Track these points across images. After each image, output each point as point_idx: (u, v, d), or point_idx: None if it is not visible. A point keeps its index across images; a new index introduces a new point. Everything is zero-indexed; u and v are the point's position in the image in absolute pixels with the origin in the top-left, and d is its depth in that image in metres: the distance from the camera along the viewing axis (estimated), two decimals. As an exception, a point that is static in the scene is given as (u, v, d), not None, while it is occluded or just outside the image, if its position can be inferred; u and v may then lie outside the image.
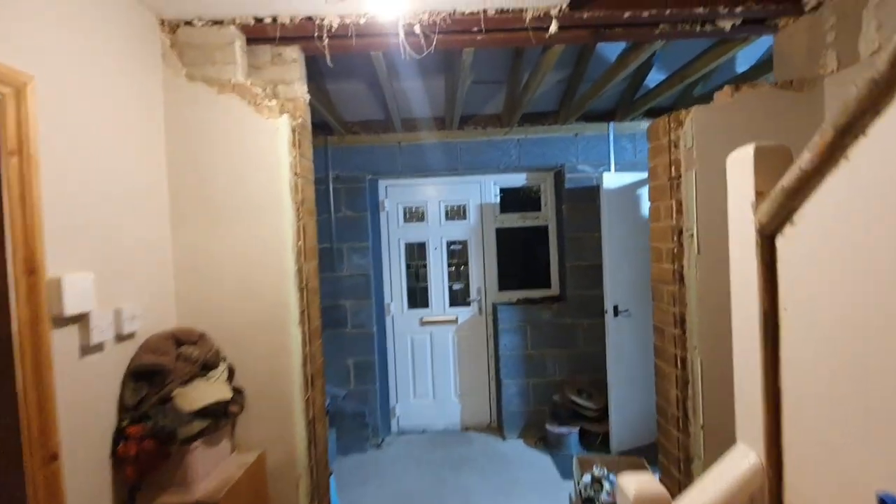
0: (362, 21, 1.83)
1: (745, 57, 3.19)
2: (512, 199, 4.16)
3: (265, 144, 1.82)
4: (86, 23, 1.44)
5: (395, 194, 4.12)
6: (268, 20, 1.83)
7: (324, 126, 3.71)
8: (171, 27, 1.82)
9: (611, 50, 3.15)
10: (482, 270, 4.13)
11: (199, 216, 1.83)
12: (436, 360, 4.14)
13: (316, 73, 3.04)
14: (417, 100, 3.61)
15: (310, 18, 1.83)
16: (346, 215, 3.86)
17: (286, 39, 1.97)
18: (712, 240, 1.86)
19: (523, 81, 3.26)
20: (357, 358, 3.88)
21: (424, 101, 3.63)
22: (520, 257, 4.18)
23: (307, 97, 2.05)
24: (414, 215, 4.16)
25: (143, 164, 1.69)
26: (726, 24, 2.04)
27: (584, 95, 3.29)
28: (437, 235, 4.13)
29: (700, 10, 1.87)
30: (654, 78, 3.41)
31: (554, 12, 1.84)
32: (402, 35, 1.85)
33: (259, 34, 1.90)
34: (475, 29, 1.92)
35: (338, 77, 3.25)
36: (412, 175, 4.04)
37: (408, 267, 4.15)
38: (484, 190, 4.12)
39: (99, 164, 1.46)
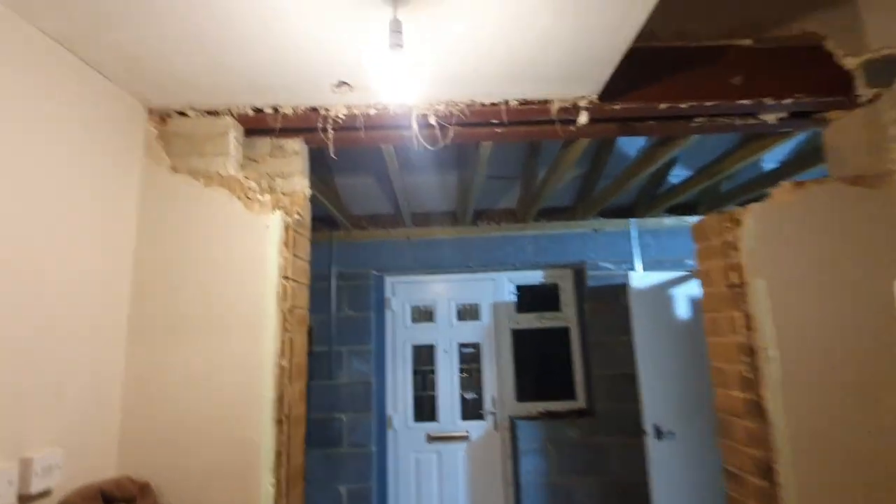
0: (372, 112, 1.66)
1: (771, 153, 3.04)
2: (529, 298, 3.84)
3: (251, 244, 1.55)
4: (49, 108, 1.25)
5: (403, 292, 3.82)
6: (268, 111, 1.67)
7: (329, 220, 3.53)
8: (161, 117, 1.65)
9: (630, 144, 3.03)
10: (497, 377, 3.67)
11: (163, 329, 1.51)
12: (444, 486, 3.52)
13: (322, 166, 2.90)
14: (429, 194, 3.46)
15: (314, 109, 1.66)
16: (347, 315, 3.53)
17: (288, 131, 1.80)
18: (803, 364, 1.48)
19: (540, 176, 3.11)
20: (352, 485, 3.30)
21: (436, 194, 3.48)
22: (539, 363, 3.74)
23: (308, 191, 1.83)
24: (423, 315, 3.82)
25: (99, 266, 1.41)
26: (770, 117, 1.86)
27: (606, 191, 3.11)
28: (447, 337, 3.75)
29: (745, 101, 1.69)
30: (678, 173, 3.26)
31: (583, 104, 1.66)
32: (415, 127, 1.67)
33: (258, 125, 1.73)
34: (495, 121, 1.74)
35: (345, 170, 3.12)
36: (421, 272, 3.77)
37: (414, 373, 3.71)
38: (498, 288, 3.82)
39: (26, 263, 1.17)
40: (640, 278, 3.16)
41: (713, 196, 3.45)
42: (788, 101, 1.69)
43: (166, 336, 1.51)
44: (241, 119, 1.70)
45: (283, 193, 1.78)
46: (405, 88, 1.34)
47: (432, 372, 3.71)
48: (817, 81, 1.73)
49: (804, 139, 2.84)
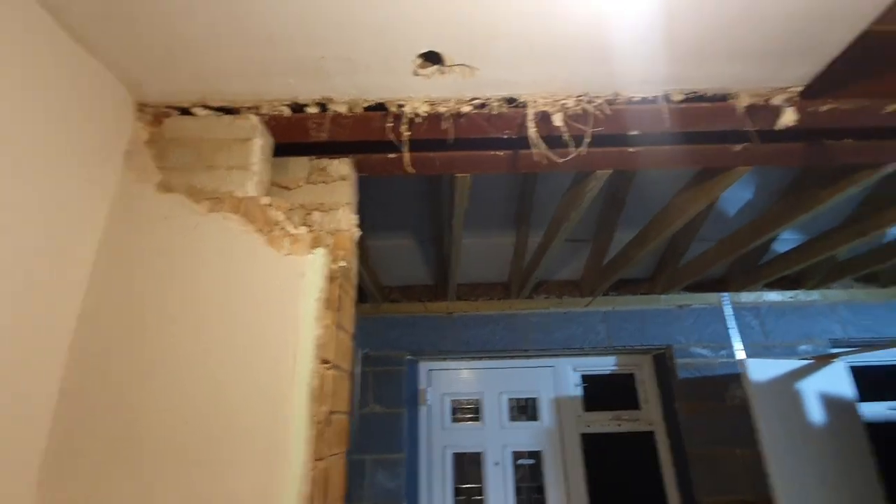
0: (465, 110, 1.11)
1: None
2: (599, 392, 3.07)
3: (275, 301, 0.93)
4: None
5: (441, 382, 3.08)
6: (312, 109, 1.13)
7: (356, 291, 2.91)
8: (156, 115, 1.12)
9: (731, 199, 2.48)
10: (566, 500, 2.79)
11: (105, 454, 0.83)
12: None
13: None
14: (478, 259, 2.87)
15: (380, 106, 1.12)
16: (374, 412, 2.76)
17: (335, 147, 1.25)
18: None
19: (619, 237, 2.53)
20: None
21: (486, 261, 2.89)
22: (621, 480, 2.88)
23: (357, 231, 1.24)
24: (465, 412, 3.04)
25: (20, 341, 0.77)
26: None
27: (704, 256, 2.51)
28: (498, 442, 2.93)
29: None
30: (786, 237, 2.68)
31: (780, 99, 1.12)
32: (533, 131, 1.11)
33: (294, 135, 1.18)
34: (635, 132, 1.18)
35: (380, 227, 2.56)
36: (464, 356, 3.06)
37: (456, 492, 2.85)
38: (560, 378, 3.07)
39: None
40: (760, 368, 2.43)
41: (825, 268, 2.83)
42: None
43: (111, 466, 0.83)
44: (273, 123, 1.16)
45: (327, 232, 1.19)
46: (527, 66, 0.79)
47: (479, 491, 2.84)
48: None
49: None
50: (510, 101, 1.11)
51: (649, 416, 2.96)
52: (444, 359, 3.09)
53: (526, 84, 1.08)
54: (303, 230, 1.04)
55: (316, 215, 1.23)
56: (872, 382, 2.80)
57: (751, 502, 2.46)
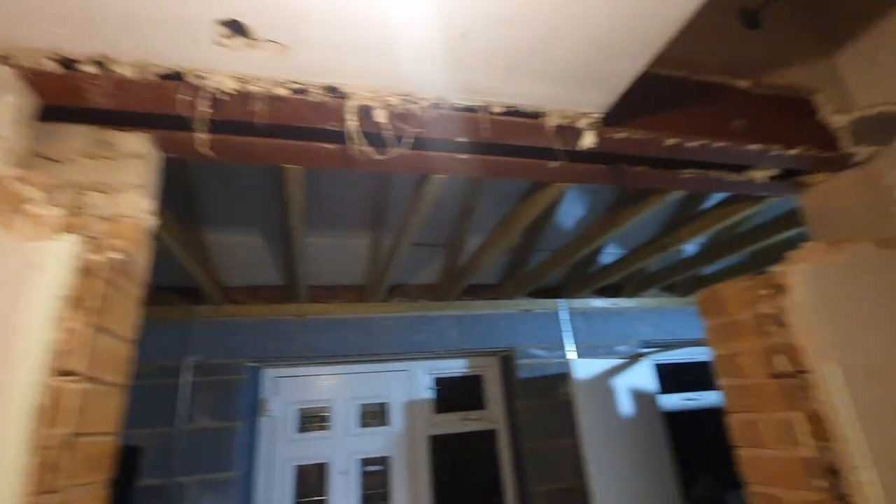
0: (281, 93, 1.02)
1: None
2: (450, 394, 3.15)
3: (-12, 299, 0.73)
4: None
5: (289, 390, 2.88)
6: (87, 68, 0.93)
7: (190, 291, 2.58)
8: None
9: (567, 213, 2.75)
10: (411, 502, 2.79)
11: None
12: None
13: (189, 211, 2.08)
14: (331, 261, 2.75)
15: (177, 75, 0.97)
16: (204, 427, 2.47)
17: (129, 119, 1.06)
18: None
19: (471, 243, 2.64)
20: None
21: (340, 263, 2.79)
22: (464, 479, 2.97)
23: (149, 220, 1.07)
24: (313, 421, 2.88)
25: None
26: (760, 175, 1.63)
27: (543, 266, 2.73)
28: (345, 451, 2.83)
29: (753, 146, 1.42)
30: (610, 251, 3.04)
31: (584, 123, 1.23)
32: (352, 123, 1.06)
33: (68, 96, 0.97)
34: (462, 139, 1.21)
35: (222, 222, 2.31)
36: (314, 361, 2.91)
37: (297, 507, 2.67)
38: (414, 382, 3.09)
39: None
40: (584, 367, 2.72)
41: (638, 278, 3.29)
42: (795, 151, 1.46)
43: None
44: (37, 79, 0.93)
45: (100, 217, 0.99)
46: (348, 55, 0.75)
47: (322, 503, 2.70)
48: (809, 138, 1.55)
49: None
50: (332, 90, 1.05)
51: (494, 415, 3.12)
52: (294, 365, 2.90)
53: (349, 75, 1.03)
54: (55, 211, 0.84)
55: (95, 197, 1.03)
56: (671, 377, 3.32)
57: (572, 488, 2.72)
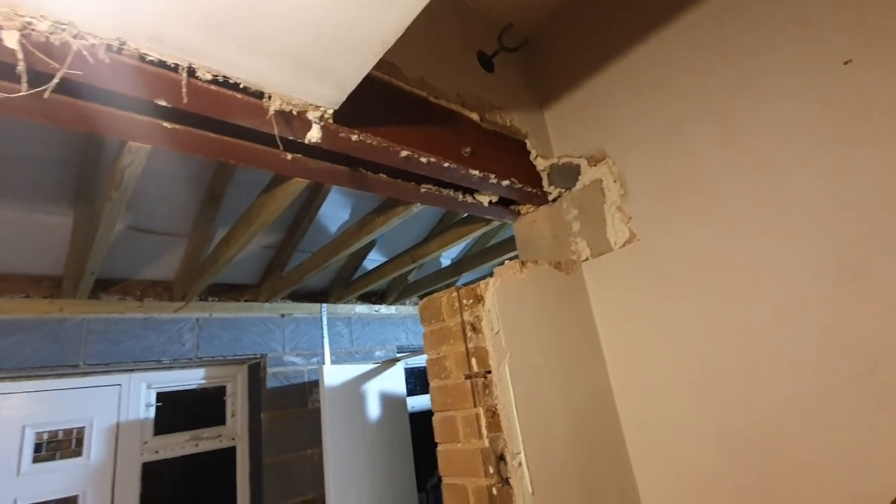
0: None
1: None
2: (179, 412, 2.68)
3: None
4: None
5: None
6: None
7: None
8: None
9: (331, 216, 2.69)
10: (104, 553, 2.24)
11: None
12: None
13: None
14: (9, 241, 2.05)
15: None
16: None
17: None
18: (551, 469, 1.26)
19: (217, 236, 2.32)
20: None
21: (25, 244, 2.10)
22: (185, 509, 2.55)
23: None
24: (-54, 463, 2.05)
25: None
26: (485, 199, 1.85)
27: (303, 266, 2.58)
28: (7, 498, 2.10)
29: (476, 172, 1.59)
30: (373, 258, 3.10)
31: (314, 115, 1.16)
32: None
33: None
34: (164, 102, 1.00)
35: None
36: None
37: None
38: (129, 399, 2.52)
39: None
40: (335, 373, 2.66)
41: (402, 285, 3.45)
42: (507, 182, 1.70)
43: None
44: None
45: None
46: None
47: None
48: (520, 173, 1.84)
49: (472, 242, 3.21)
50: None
51: (234, 430, 2.79)
52: (-81, 385, 2.02)
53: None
54: None
55: None
56: (422, 380, 3.56)
57: (313, 499, 2.62)
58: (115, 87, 0.94)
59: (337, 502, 2.39)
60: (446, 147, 1.52)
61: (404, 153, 1.39)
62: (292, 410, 2.80)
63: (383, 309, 3.48)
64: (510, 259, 2.73)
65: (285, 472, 2.65)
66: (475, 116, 1.69)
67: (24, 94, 0.81)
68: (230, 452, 2.73)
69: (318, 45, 0.99)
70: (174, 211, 2.22)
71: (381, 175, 1.54)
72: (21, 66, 0.80)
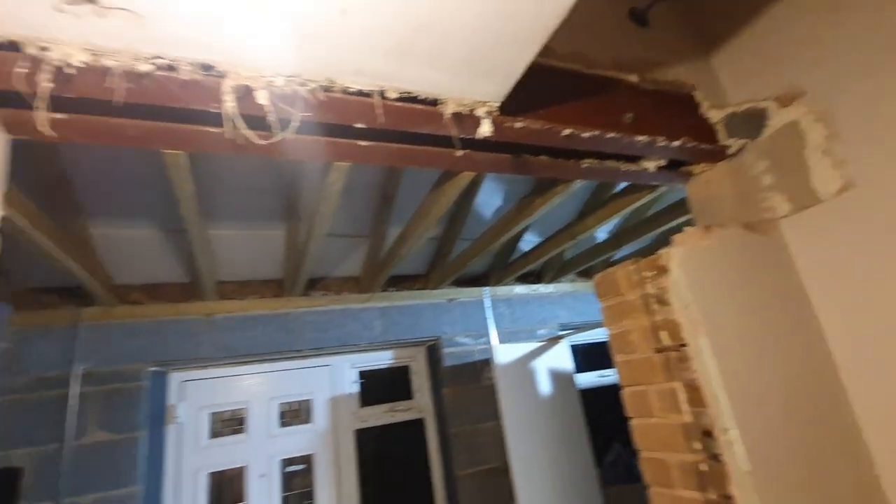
0: (142, 69, 0.92)
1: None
2: (376, 387, 3.12)
3: None
4: None
5: (199, 394, 2.69)
6: None
7: (74, 292, 2.33)
8: None
9: (486, 203, 2.80)
10: (338, 499, 2.74)
11: None
12: None
13: (65, 205, 1.86)
14: (243, 254, 2.60)
15: (13, 45, 0.84)
16: (97, 441, 2.25)
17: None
18: (765, 446, 1.17)
19: (392, 234, 2.61)
20: None
21: (254, 255, 2.64)
22: (391, 469, 2.96)
23: (-11, 212, 0.92)
24: (228, 426, 2.73)
25: None
26: (651, 165, 1.74)
27: (465, 255, 2.76)
28: (264, 453, 2.71)
29: (641, 137, 1.51)
30: (529, 239, 3.14)
31: (482, 111, 1.24)
32: (230, 105, 0.98)
33: None
34: (361, 125, 1.17)
35: (109, 214, 2.10)
36: (227, 362, 2.74)
37: (211, 517, 2.52)
38: (337, 377, 3.02)
39: None
40: (506, 351, 2.80)
41: (559, 264, 3.44)
42: (677, 142, 1.57)
43: None
44: None
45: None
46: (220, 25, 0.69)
47: (241, 510, 2.57)
48: (691, 131, 1.68)
49: (628, 214, 3.02)
50: (206, 67, 0.97)
51: (421, 404, 3.13)
52: (203, 367, 2.71)
53: (225, 52, 0.95)
54: None
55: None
56: (585, 357, 3.51)
57: (497, 468, 2.81)
58: (327, 119, 1.13)
59: (520, 472, 2.53)
60: (606, 117, 1.48)
61: (566, 132, 1.39)
62: (469, 386, 3.03)
63: (541, 288, 3.51)
64: (678, 227, 2.52)
65: (470, 443, 2.89)
66: (633, 78, 1.60)
67: (277, 138, 1.04)
68: (420, 423, 3.09)
69: (486, 46, 1.05)
70: (356, 215, 2.56)
71: (543, 157, 1.56)
72: (272, 117, 1.02)
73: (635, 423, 1.41)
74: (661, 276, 1.34)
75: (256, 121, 1.03)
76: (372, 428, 2.97)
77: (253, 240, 2.53)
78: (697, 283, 1.30)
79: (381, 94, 1.12)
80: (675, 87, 1.69)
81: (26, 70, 0.86)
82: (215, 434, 2.66)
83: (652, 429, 1.36)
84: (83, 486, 2.15)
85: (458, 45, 1.04)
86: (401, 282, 3.15)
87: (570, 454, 2.79)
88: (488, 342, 3.19)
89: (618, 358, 1.48)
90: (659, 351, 1.33)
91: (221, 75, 0.97)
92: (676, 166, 1.82)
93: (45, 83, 0.86)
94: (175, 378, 2.65)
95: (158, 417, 2.52)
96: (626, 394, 1.44)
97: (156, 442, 2.45)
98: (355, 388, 3.03)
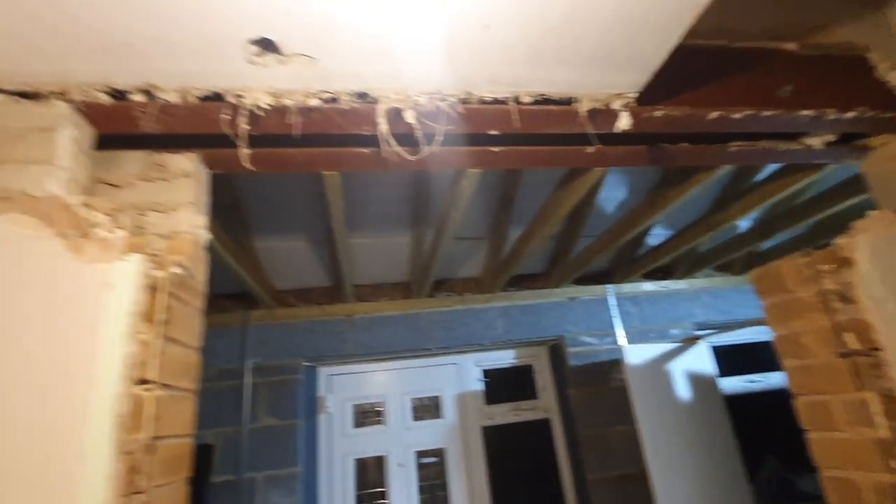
0: (313, 103, 1.05)
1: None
2: (499, 385, 3.16)
3: (68, 317, 0.80)
4: None
5: (342, 387, 2.98)
6: (136, 97, 1.01)
7: (243, 297, 2.73)
8: (-72, 99, 0.93)
9: (608, 198, 2.67)
10: (469, 494, 2.84)
11: None
12: None
13: (236, 222, 2.19)
14: (375, 259, 2.82)
15: (217, 96, 1.03)
16: (267, 426, 2.60)
17: (175, 140, 1.14)
18: None
19: (512, 235, 2.62)
20: None
21: (384, 260, 2.85)
22: (519, 468, 2.98)
23: (203, 235, 1.14)
24: (368, 417, 2.97)
25: None
26: (817, 142, 1.53)
27: (590, 250, 2.67)
28: (401, 444, 2.91)
29: (806, 112, 1.33)
30: (657, 233, 2.93)
31: (618, 104, 1.19)
32: (384, 127, 1.08)
33: (121, 125, 1.05)
34: (494, 132, 1.20)
35: (267, 230, 2.42)
36: (365, 358, 2.99)
37: (358, 499, 2.77)
38: (463, 374, 3.12)
39: None
40: (636, 352, 2.65)
41: (690, 259, 3.15)
42: (852, 113, 1.35)
43: None
44: (91, 111, 1.02)
45: (160, 235, 1.07)
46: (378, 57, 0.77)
47: (382, 495, 2.79)
48: (866, 98, 1.43)
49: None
50: (362, 95, 1.08)
51: (546, 403, 3.10)
52: (346, 363, 3.00)
53: (376, 78, 1.05)
54: (120, 233, 0.92)
55: (152, 216, 1.11)
56: (729, 359, 3.17)
57: (632, 475, 2.67)
58: (465, 130, 1.18)
59: (660, 481, 2.37)
60: (761, 94, 1.33)
61: (713, 115, 1.28)
62: (595, 388, 2.92)
63: (671, 284, 3.25)
64: (846, 211, 2.16)
65: (600, 446, 2.79)
66: (791, 46, 1.41)
67: (424, 153, 1.11)
68: (546, 423, 3.06)
69: (622, 39, 1.02)
70: (476, 218, 2.62)
71: (683, 145, 1.45)
72: (419, 133, 1.10)
73: (814, 438, 1.25)
74: (842, 270, 1.17)
75: (405, 138, 1.12)
76: (499, 426, 3.02)
77: (384, 246, 2.73)
78: (893, 277, 1.10)
79: (516, 99, 1.14)
80: (842, 51, 1.46)
81: (229, 116, 1.04)
82: (358, 424, 2.92)
83: (836, 444, 1.18)
84: (257, 464, 2.52)
85: (592, 42, 1.01)
86: (521, 281, 3.15)
87: (717, 465, 2.55)
88: (615, 342, 3.05)
89: (788, 363, 1.32)
90: (844, 356, 1.15)
91: (375, 101, 1.08)
92: (847, 140, 1.56)
93: (243, 125, 1.03)
94: (323, 372, 2.97)
95: (311, 407, 2.84)
96: (802, 404, 1.28)
97: (310, 429, 2.77)
98: (480, 386, 3.11)
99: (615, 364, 2.90)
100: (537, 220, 2.12)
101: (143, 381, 0.84)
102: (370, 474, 2.83)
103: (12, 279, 0.78)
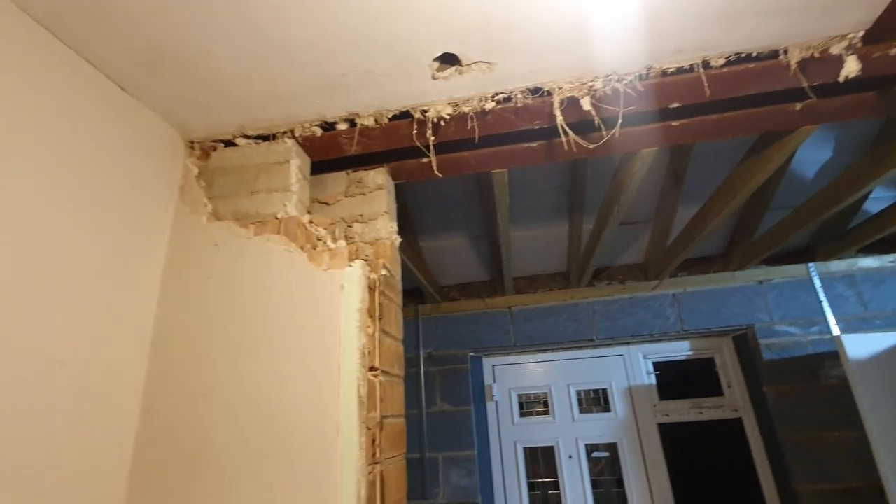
0: (488, 107, 1.10)
1: None
2: (674, 379, 2.91)
3: (318, 315, 0.97)
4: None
5: (506, 377, 3.07)
6: (341, 125, 1.17)
7: (413, 292, 2.98)
8: (203, 149, 1.21)
9: (806, 161, 2.25)
10: (649, 493, 2.68)
11: (184, 474, 0.92)
12: None
13: (403, 223, 2.40)
14: (533, 251, 2.82)
15: (405, 114, 1.14)
16: (443, 411, 2.81)
17: (369, 158, 1.29)
18: None
19: (679, 216, 2.38)
20: None
21: (542, 252, 2.84)
22: (704, 470, 2.71)
23: (396, 239, 1.27)
24: (533, 406, 3.01)
25: (104, 366, 0.88)
26: None
27: (785, 225, 2.28)
28: (569, 436, 2.87)
29: None
30: (879, 195, 2.37)
31: (840, 48, 0.99)
32: (559, 117, 1.07)
33: (328, 151, 1.23)
34: (676, 104, 1.10)
35: (431, 230, 2.60)
36: (528, 349, 3.03)
37: (530, 487, 2.83)
38: (631, 366, 2.95)
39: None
40: (859, 344, 2.18)
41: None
42: None
43: (187, 485, 0.91)
44: (307, 143, 1.22)
45: (366, 242, 1.23)
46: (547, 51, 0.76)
47: (555, 485, 2.80)
48: None
49: None
50: (535, 90, 1.08)
51: (734, 401, 2.76)
52: (508, 354, 3.08)
53: (549, 71, 1.04)
54: (341, 244, 1.08)
55: (356, 227, 1.28)
56: None
57: (857, 490, 2.22)
58: (646, 107, 1.11)
59: (906, 502, 1.92)
60: None
61: None
62: (802, 385, 2.49)
63: (907, 259, 2.60)
64: None
65: (811, 453, 2.37)
66: None
67: (605, 138, 1.08)
68: (736, 423, 2.71)
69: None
70: (639, 200, 2.44)
71: (932, 83, 1.15)
72: (596, 120, 1.07)
73: None
74: None
75: (580, 126, 1.10)
76: (677, 423, 2.78)
77: (540, 237, 2.72)
78: None
79: (705, 64, 1.03)
80: None
81: (415, 130, 1.14)
82: (524, 414, 2.97)
83: None
84: (437, 445, 2.74)
85: (811, -21, 0.86)
86: (692, 265, 2.85)
87: None
88: (826, 331, 2.56)
89: None
90: None
91: (548, 94, 1.08)
92: None
93: (430, 137, 1.13)
94: (488, 362, 3.09)
95: (480, 395, 2.98)
96: None
97: (480, 415, 2.91)
98: (652, 380, 2.90)
99: (828, 358, 2.44)
100: (718, 195, 1.88)
101: (373, 368, 0.98)
102: (540, 464, 2.86)
103: (283, 287, 0.98)
